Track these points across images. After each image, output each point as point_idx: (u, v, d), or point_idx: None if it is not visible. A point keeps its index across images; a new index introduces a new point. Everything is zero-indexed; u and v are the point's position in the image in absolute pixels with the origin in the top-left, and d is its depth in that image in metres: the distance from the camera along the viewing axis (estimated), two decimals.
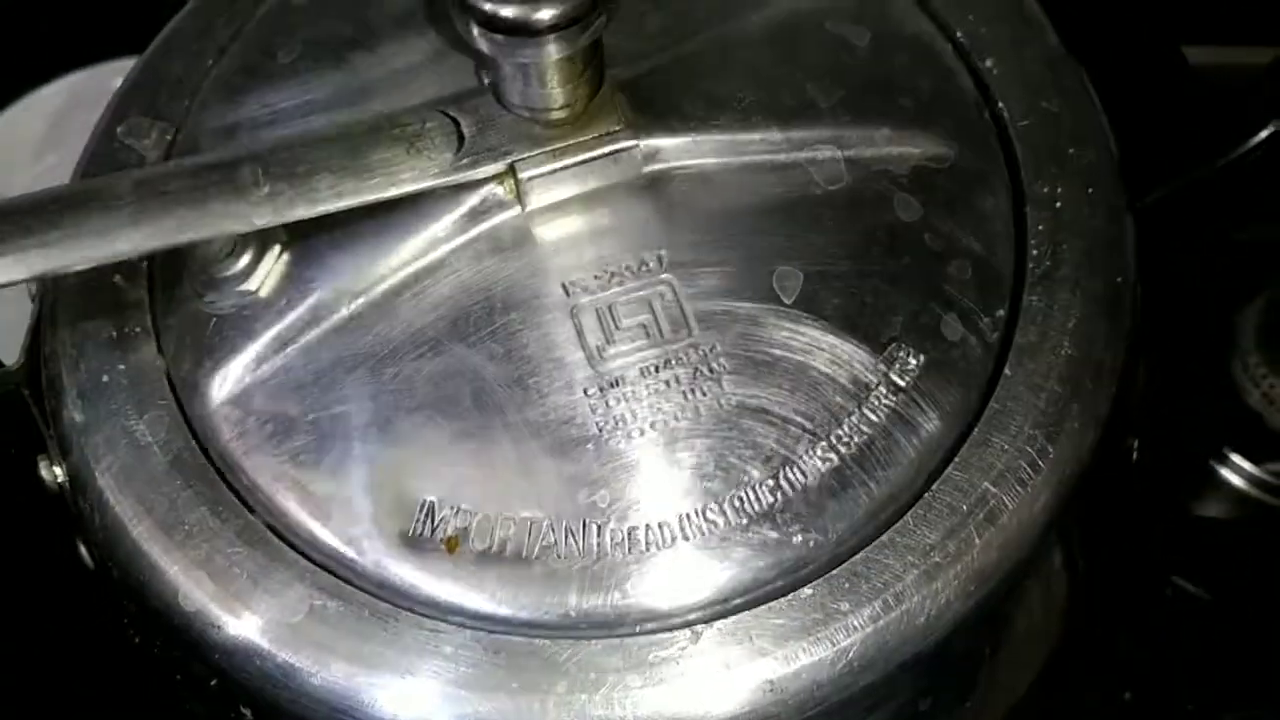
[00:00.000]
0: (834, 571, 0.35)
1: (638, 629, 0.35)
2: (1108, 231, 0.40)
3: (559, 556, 0.34)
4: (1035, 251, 0.39)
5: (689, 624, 0.35)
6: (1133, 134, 0.43)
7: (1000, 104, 0.41)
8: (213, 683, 0.37)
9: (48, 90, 0.64)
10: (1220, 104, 0.45)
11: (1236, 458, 0.58)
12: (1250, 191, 0.45)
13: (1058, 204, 0.40)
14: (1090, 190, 0.40)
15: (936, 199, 0.38)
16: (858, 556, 0.35)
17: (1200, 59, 0.48)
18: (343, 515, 0.35)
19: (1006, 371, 0.37)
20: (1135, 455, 0.45)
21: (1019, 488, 0.36)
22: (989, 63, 0.42)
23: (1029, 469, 0.36)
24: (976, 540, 0.35)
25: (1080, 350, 0.38)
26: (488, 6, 0.34)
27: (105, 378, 0.38)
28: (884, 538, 0.35)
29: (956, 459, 0.36)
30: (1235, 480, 0.58)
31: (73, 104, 0.64)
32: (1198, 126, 0.45)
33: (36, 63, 0.64)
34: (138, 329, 0.39)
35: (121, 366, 0.38)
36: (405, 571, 0.35)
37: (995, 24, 0.42)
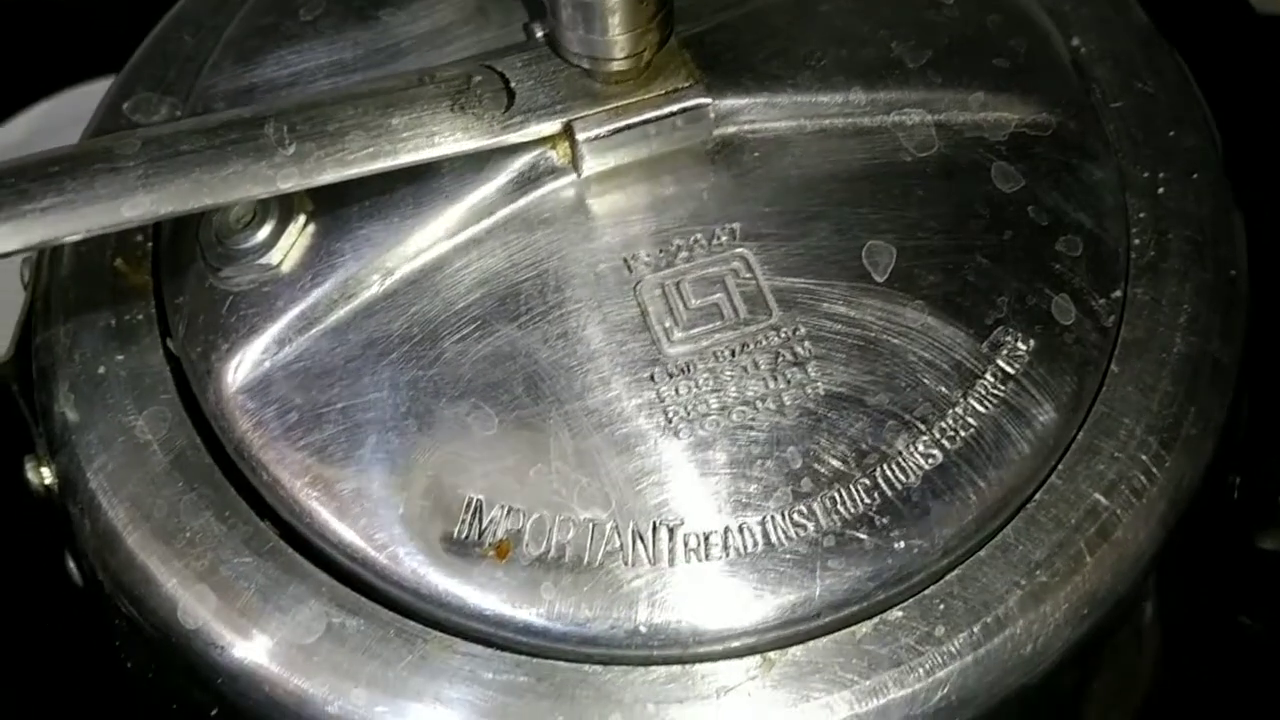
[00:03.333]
0: (927, 591, 0.30)
1: (711, 650, 0.30)
2: (1215, 220, 0.36)
3: (626, 563, 0.30)
4: (1138, 240, 0.35)
5: (768, 646, 0.30)
6: (1235, 139, 0.39)
7: (1091, 84, 0.37)
8: (214, 712, 0.32)
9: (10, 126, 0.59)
10: None
11: None
12: None
13: (1160, 190, 0.36)
14: (1194, 176, 0.36)
15: (1039, 169, 0.34)
16: (953, 574, 0.31)
17: None
18: (376, 517, 0.31)
19: (1113, 369, 0.33)
20: (1237, 493, 0.41)
21: (1134, 499, 0.32)
22: (1075, 41, 0.38)
23: (1144, 478, 0.32)
24: (1088, 557, 0.31)
25: (1194, 348, 0.34)
26: None
27: (101, 369, 0.34)
28: (982, 553, 0.31)
29: (1060, 467, 0.32)
30: None
31: (41, 135, 0.58)
32: None
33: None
34: (139, 317, 0.35)
35: (120, 357, 0.34)
36: (448, 581, 0.30)
37: (1079, 1, 0.39)
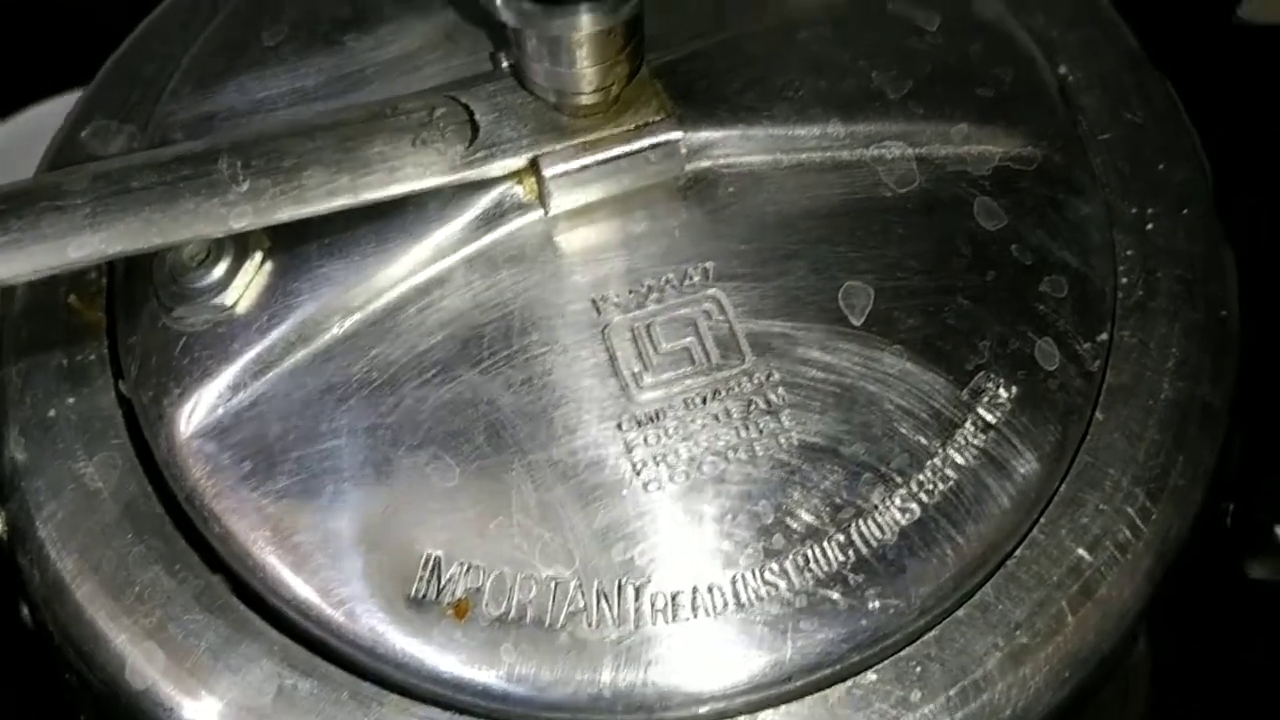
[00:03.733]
0: (902, 653, 0.29)
1: (679, 715, 0.29)
2: (1206, 257, 0.34)
3: (590, 624, 0.29)
4: (1125, 279, 0.34)
5: (738, 711, 0.29)
6: (1223, 157, 0.38)
7: (1079, 114, 0.36)
8: None
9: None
10: None
11: None
12: None
13: (1148, 226, 0.35)
14: (1184, 211, 0.35)
15: (1023, 205, 0.33)
16: (929, 635, 0.30)
17: None
18: (331, 573, 0.30)
19: (1098, 416, 0.32)
20: (1229, 521, 0.40)
21: (1118, 554, 0.31)
22: (1063, 69, 0.37)
23: (1129, 532, 0.31)
24: (1070, 617, 0.30)
25: (1182, 392, 0.32)
26: None
27: (52, 412, 0.33)
28: (960, 613, 0.30)
29: (1043, 520, 0.31)
30: None
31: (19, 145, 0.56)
32: None
33: None
34: (92, 357, 0.34)
35: (71, 400, 0.33)
36: (404, 641, 0.29)
37: (1067, 27, 0.38)
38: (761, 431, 0.30)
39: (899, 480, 0.30)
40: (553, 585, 0.29)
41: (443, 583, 0.29)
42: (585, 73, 0.30)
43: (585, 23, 0.28)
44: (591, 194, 0.32)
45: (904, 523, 0.30)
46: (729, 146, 0.33)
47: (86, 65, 0.41)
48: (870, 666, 0.29)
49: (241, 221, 0.30)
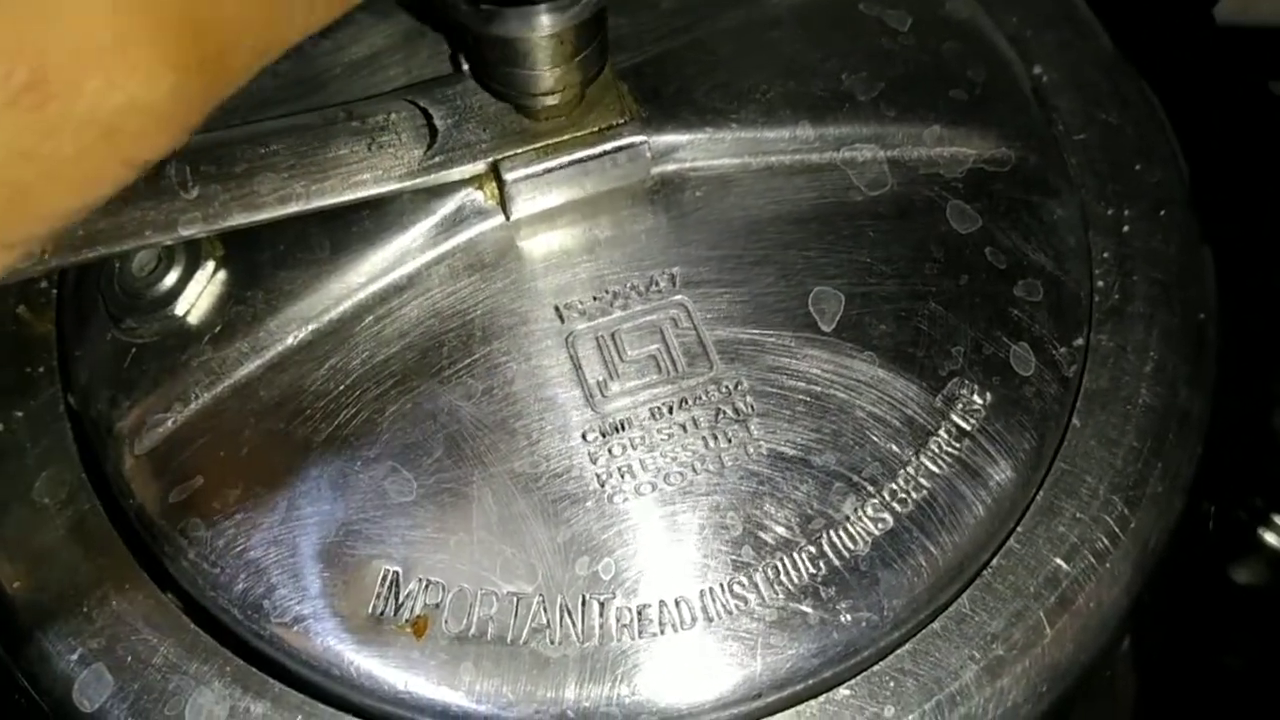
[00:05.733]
0: (876, 667, 0.29)
1: None
2: (1183, 260, 0.34)
3: (552, 641, 0.28)
4: (1101, 283, 0.33)
5: None
6: (1200, 155, 0.37)
7: (1053, 115, 0.35)
8: None
9: None
10: None
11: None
12: None
13: (1125, 228, 0.34)
14: (1161, 213, 0.34)
15: (997, 208, 0.32)
16: (904, 648, 0.29)
17: None
18: (286, 590, 0.29)
19: (1075, 422, 0.31)
20: (1212, 523, 0.39)
21: (1096, 563, 0.30)
22: (1037, 69, 0.36)
23: (1107, 541, 0.30)
24: (1048, 628, 0.29)
25: (1161, 399, 0.32)
26: None
27: (0, 426, 0.32)
28: (935, 625, 0.29)
29: (1019, 529, 0.30)
30: (1277, 543, 0.52)
31: None
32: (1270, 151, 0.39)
33: None
34: (41, 369, 0.33)
35: (20, 414, 0.32)
36: (361, 660, 0.28)
37: (1042, 27, 0.37)
38: (730, 441, 0.29)
39: (871, 489, 0.29)
40: (515, 601, 0.28)
41: (401, 599, 0.28)
42: (544, 74, 0.29)
43: (543, 24, 0.28)
44: (554, 198, 0.31)
45: (877, 533, 0.29)
46: (696, 149, 0.32)
47: None
48: (843, 681, 0.28)
49: (191, 229, 0.29)
